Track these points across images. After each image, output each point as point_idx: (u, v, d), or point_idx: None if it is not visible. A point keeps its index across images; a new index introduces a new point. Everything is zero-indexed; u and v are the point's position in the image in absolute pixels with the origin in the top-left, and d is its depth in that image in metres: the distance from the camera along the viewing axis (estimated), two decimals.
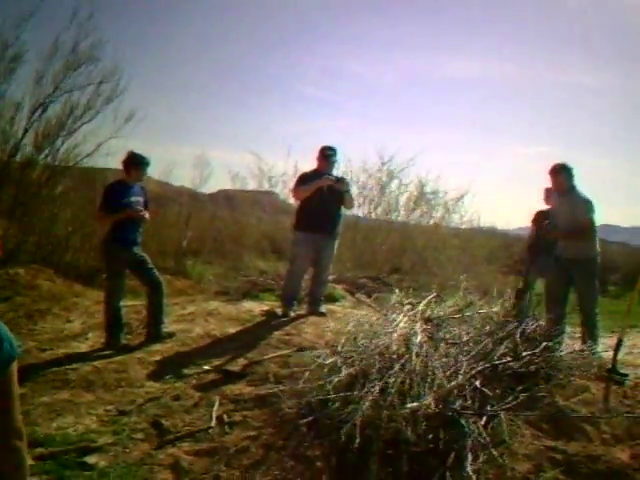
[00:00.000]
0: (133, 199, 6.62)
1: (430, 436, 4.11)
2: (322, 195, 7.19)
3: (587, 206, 6.44)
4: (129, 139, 10.87)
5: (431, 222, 13.62)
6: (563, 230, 6.58)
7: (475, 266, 12.96)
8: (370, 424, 4.11)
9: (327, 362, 4.83)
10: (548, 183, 6.86)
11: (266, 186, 13.87)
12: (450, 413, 4.23)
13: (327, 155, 7.40)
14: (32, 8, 10.03)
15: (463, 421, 4.17)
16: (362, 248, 12.73)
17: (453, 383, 4.40)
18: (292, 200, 9.23)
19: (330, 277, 7.78)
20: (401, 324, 5.12)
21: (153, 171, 14.08)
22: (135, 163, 6.65)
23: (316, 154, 7.49)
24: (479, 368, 4.59)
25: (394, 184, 12.92)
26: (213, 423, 4.65)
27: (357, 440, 3.89)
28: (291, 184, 8.40)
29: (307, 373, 4.74)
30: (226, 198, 20.31)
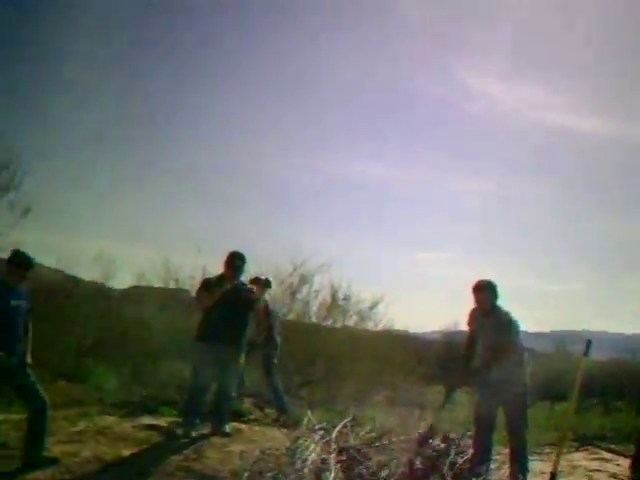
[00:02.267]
0: (14, 303, 5.89)
1: None
2: (226, 302, 6.75)
3: (511, 327, 6.15)
4: (29, 231, 10.21)
5: (344, 329, 13.17)
6: (486, 352, 6.24)
7: (390, 376, 12.54)
8: None
9: None
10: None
11: (172, 285, 13.27)
12: None
13: (236, 266, 7.01)
14: None
15: None
16: None
17: None
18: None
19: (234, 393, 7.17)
20: (313, 455, 4.61)
21: (56, 263, 13.38)
22: (15, 264, 5.98)
23: (224, 259, 7.08)
24: None
25: (305, 289, 12.55)
26: None
27: None
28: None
29: None
30: (138, 295, 19.57)
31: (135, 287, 20.61)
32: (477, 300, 6.31)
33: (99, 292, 15.95)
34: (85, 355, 13.00)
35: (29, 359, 6.01)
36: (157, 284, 14.71)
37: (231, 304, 6.78)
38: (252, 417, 7.95)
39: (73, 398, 9.35)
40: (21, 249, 6.12)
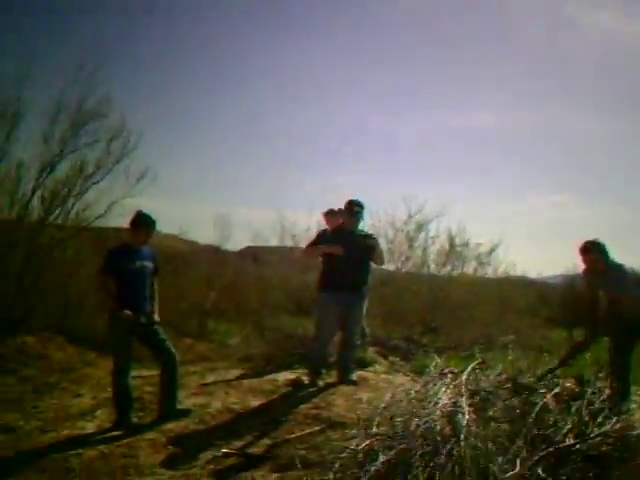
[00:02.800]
0: (138, 264, 6.06)
1: None
2: (348, 251, 6.63)
3: (629, 279, 5.87)
4: (144, 197, 10.40)
5: (463, 276, 12.91)
6: (613, 305, 5.94)
7: (513, 321, 12.22)
8: None
9: (360, 447, 4.19)
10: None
11: (289, 244, 13.33)
12: None
13: (355, 212, 6.84)
14: (32, 65, 9.67)
15: None
16: (392, 305, 12.06)
17: (511, 473, 3.71)
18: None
19: (359, 341, 7.11)
20: (443, 398, 4.46)
21: (173, 229, 13.67)
22: (139, 224, 6.10)
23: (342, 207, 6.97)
24: (541, 454, 3.87)
25: (422, 237, 12.32)
26: None
27: None
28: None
29: (339, 462, 4.07)
30: (253, 255, 19.91)
31: (249, 247, 21.01)
32: (586, 262, 5.99)
33: (217, 255, 16.29)
34: (207, 315, 13.35)
35: (157, 317, 6.16)
36: (272, 243, 14.75)
37: (352, 252, 6.67)
38: (377, 365, 7.86)
39: (200, 354, 9.62)
40: (143, 210, 6.23)
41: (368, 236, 6.99)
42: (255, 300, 14.89)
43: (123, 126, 10.38)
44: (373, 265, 7.02)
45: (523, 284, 16.32)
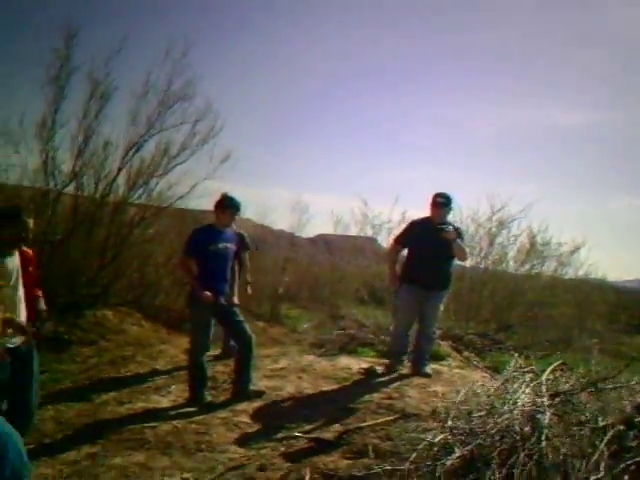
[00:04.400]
0: (222, 245, 6.10)
1: None
2: (431, 246, 6.57)
3: None
4: (225, 181, 10.49)
5: (542, 275, 12.61)
6: None
7: (590, 324, 11.88)
8: None
9: (436, 440, 4.12)
10: None
11: (369, 233, 13.24)
12: None
13: (439, 203, 6.72)
14: (121, 45, 9.81)
15: None
16: (468, 300, 11.89)
17: (595, 477, 3.59)
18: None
19: (437, 333, 7.03)
20: (523, 398, 4.35)
21: (250, 213, 13.77)
22: (224, 206, 6.12)
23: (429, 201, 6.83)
24: (628, 462, 3.73)
25: (503, 234, 12.08)
26: None
27: None
28: (396, 231, 7.75)
29: (414, 454, 4.01)
30: (325, 243, 19.94)
31: (322, 235, 21.06)
32: None
33: (290, 241, 16.36)
34: (280, 300, 13.43)
35: (236, 300, 6.23)
36: (351, 232, 14.69)
37: (435, 246, 6.57)
38: (451, 359, 7.75)
39: (272, 338, 9.68)
40: (229, 193, 6.27)
41: (442, 230, 6.79)
42: (328, 287, 14.93)
43: (209, 109, 10.46)
44: (455, 261, 6.88)
45: (602, 287, 15.81)
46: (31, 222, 4.54)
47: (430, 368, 6.73)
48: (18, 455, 1.60)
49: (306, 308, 13.99)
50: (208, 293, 5.87)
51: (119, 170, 10.04)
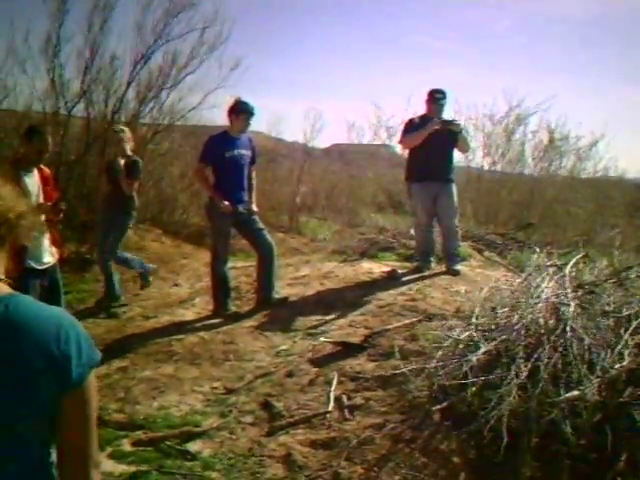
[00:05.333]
0: (237, 152, 6.03)
1: (592, 432, 3.39)
2: (431, 140, 6.59)
3: None
4: (237, 91, 10.33)
5: (561, 172, 12.42)
6: None
7: (614, 219, 11.75)
8: (518, 415, 3.43)
9: (462, 337, 4.16)
10: None
11: (384, 136, 13.02)
12: (618, 404, 3.48)
13: (435, 98, 6.75)
14: None
15: (636, 414, 3.40)
16: (486, 202, 11.82)
17: (619, 366, 3.61)
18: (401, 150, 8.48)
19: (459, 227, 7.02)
20: (547, 291, 4.35)
21: (263, 126, 13.59)
22: (238, 111, 6.03)
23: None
24: None
25: (520, 131, 11.86)
26: (331, 407, 4.04)
27: (505, 435, 3.24)
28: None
29: (440, 351, 4.05)
30: (340, 153, 19.75)
31: (336, 145, 20.83)
32: None
33: (304, 152, 16.15)
34: (297, 211, 13.41)
35: (255, 207, 6.18)
36: (365, 139, 14.47)
37: (436, 140, 6.58)
38: (472, 260, 7.74)
39: (292, 248, 9.71)
40: (241, 98, 6.16)
41: (453, 122, 6.84)
42: (345, 195, 14.85)
43: (216, 15, 10.19)
44: (460, 154, 6.93)
45: (621, 183, 15.60)
46: (49, 139, 4.52)
47: (460, 265, 6.80)
48: (87, 340, 1.65)
49: (324, 218, 13.96)
50: (226, 202, 5.86)
51: (128, 84, 9.91)
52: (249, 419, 4.08)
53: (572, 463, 3.34)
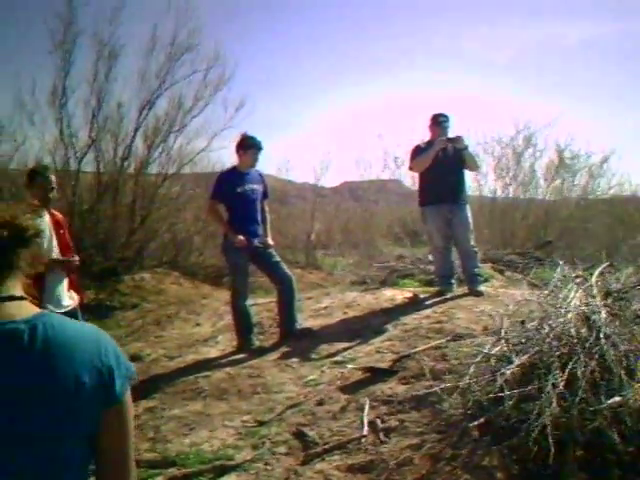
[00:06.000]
0: (248, 187, 6.06)
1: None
2: (440, 162, 6.66)
3: None
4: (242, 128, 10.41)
5: (575, 190, 12.33)
6: None
7: (633, 232, 11.60)
8: (560, 426, 3.34)
9: (493, 352, 4.08)
10: None
11: (392, 167, 13.01)
12: None
13: (439, 121, 6.85)
14: (123, 2, 9.70)
15: None
16: (501, 226, 11.74)
17: None
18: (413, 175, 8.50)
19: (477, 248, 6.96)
20: (575, 301, 4.28)
21: (272, 168, 13.63)
22: (246, 146, 6.07)
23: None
24: None
25: (530, 152, 11.83)
26: (365, 431, 3.96)
27: (551, 445, 3.15)
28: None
29: (472, 367, 3.98)
30: (350, 190, 19.80)
31: (346, 182, 20.89)
32: None
33: (314, 192, 16.16)
34: (313, 247, 13.41)
35: (270, 240, 6.17)
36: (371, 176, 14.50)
37: (444, 161, 6.65)
38: (494, 280, 7.68)
39: (311, 283, 9.68)
40: (249, 133, 6.20)
41: (458, 138, 6.82)
42: (361, 230, 14.84)
43: (218, 55, 10.35)
44: (470, 173, 6.96)
45: (636, 198, 15.49)
46: (53, 177, 4.55)
47: (483, 286, 6.78)
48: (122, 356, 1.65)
49: (341, 255, 13.94)
50: (241, 237, 5.85)
51: (135, 131, 10.05)
52: (283, 449, 4.00)
53: (621, 473, 3.24)
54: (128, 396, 1.63)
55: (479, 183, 11.72)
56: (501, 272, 8.23)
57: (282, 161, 15.08)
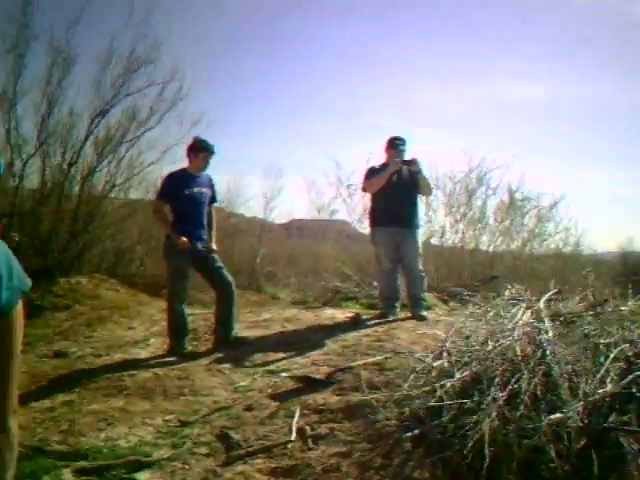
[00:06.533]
0: (197, 190, 5.87)
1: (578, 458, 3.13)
2: (394, 185, 6.58)
3: None
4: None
5: (523, 230, 12.32)
6: None
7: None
8: (498, 442, 3.16)
9: (435, 364, 3.91)
10: None
11: (344, 194, 12.73)
12: (603, 429, 3.24)
13: (396, 144, 6.74)
14: (82, 11, 9.43)
15: (622, 440, 3.16)
16: (448, 263, 11.63)
17: (602, 391, 3.39)
18: (366, 195, 8.35)
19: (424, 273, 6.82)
20: (523, 319, 4.16)
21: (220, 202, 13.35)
22: (197, 149, 5.90)
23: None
24: (632, 376, 3.52)
25: (482, 190, 11.81)
26: (293, 436, 3.73)
27: (486, 460, 2.97)
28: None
29: (412, 376, 3.79)
30: (298, 228, 19.62)
31: (295, 220, 20.72)
32: None
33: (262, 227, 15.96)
34: (259, 272, 13.18)
35: (215, 245, 5.96)
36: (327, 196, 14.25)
37: (398, 184, 6.57)
38: (437, 309, 7.55)
39: (253, 301, 9.44)
40: (201, 136, 6.03)
41: (413, 161, 6.69)
42: (305, 264, 14.61)
43: (176, 70, 10.13)
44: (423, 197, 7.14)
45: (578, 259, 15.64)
46: None
47: (426, 311, 6.66)
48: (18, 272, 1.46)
49: (285, 285, 13.69)
50: (184, 239, 5.63)
51: (86, 138, 9.73)
52: (204, 450, 3.74)
53: None
54: (18, 313, 1.45)
55: (429, 217, 11.61)
56: (445, 302, 8.13)
57: (233, 195, 14.64)
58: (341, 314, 6.82)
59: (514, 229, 12.19)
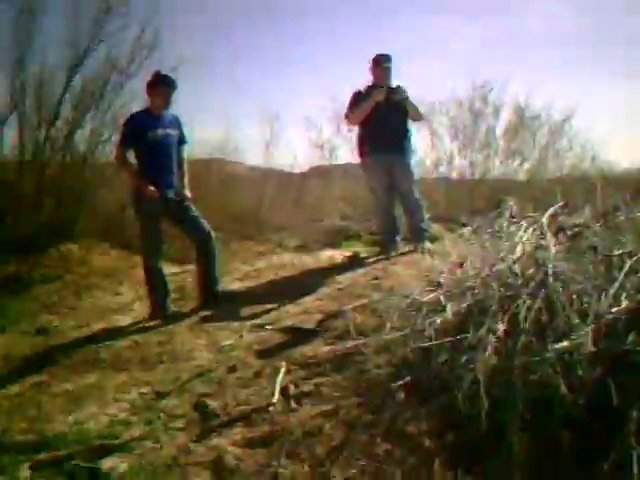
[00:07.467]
0: (161, 132, 5.26)
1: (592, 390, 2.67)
2: (381, 110, 6.06)
3: None
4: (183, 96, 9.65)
5: (535, 149, 11.59)
6: None
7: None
8: (499, 382, 2.72)
9: (425, 299, 3.46)
10: None
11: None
12: (620, 354, 2.76)
13: (381, 61, 6.18)
14: None
15: None
16: (459, 196, 11.02)
17: (616, 310, 2.90)
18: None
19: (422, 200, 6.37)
20: (523, 237, 3.67)
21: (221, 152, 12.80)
22: (156, 84, 5.30)
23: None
24: None
25: (488, 110, 11.09)
26: (275, 398, 3.32)
27: (484, 404, 2.54)
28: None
29: (396, 315, 3.35)
30: (319, 175, 19.05)
31: (318, 166, 20.08)
32: None
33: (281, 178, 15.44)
34: (264, 221, 12.72)
35: (188, 192, 5.45)
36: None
37: (385, 110, 6.05)
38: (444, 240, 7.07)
39: (258, 252, 9.00)
40: (161, 71, 5.46)
41: (398, 89, 6.20)
42: (317, 211, 14.16)
43: (153, 12, 9.48)
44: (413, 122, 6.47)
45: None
46: None
47: (429, 243, 6.21)
48: None
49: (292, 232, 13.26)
50: (152, 188, 5.12)
51: (64, 91, 9.15)
52: (179, 424, 3.33)
53: (572, 432, 2.63)
54: None
55: (433, 144, 11.02)
56: (451, 231, 7.64)
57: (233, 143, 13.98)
58: (339, 255, 6.40)
59: (526, 149, 11.47)
